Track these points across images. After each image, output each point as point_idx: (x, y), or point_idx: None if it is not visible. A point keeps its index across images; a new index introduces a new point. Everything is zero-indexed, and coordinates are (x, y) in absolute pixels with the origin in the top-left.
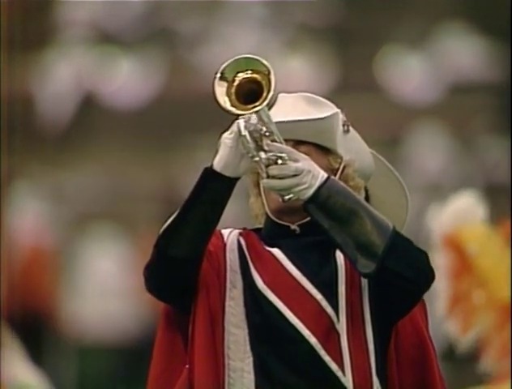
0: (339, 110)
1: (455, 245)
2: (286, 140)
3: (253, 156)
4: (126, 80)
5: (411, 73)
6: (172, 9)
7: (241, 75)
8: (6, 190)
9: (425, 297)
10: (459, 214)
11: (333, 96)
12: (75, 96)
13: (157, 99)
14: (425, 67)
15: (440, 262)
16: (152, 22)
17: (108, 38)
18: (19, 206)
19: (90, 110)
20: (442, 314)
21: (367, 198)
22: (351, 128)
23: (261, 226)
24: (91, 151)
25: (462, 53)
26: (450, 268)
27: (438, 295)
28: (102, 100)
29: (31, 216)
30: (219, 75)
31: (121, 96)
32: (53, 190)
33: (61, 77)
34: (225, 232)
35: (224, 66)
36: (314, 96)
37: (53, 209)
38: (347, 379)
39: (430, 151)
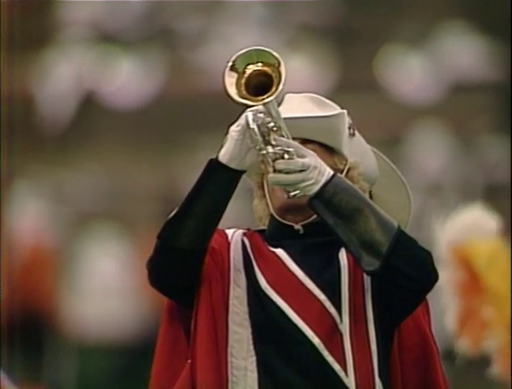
0: (345, 111)
1: (464, 261)
2: (293, 139)
3: (260, 149)
4: (127, 80)
5: (411, 73)
6: (173, 9)
7: (252, 67)
8: (6, 190)
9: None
10: (468, 227)
11: (333, 96)
12: (75, 96)
13: (157, 98)
14: (426, 67)
15: (448, 277)
16: (152, 22)
17: (108, 38)
18: (20, 206)
19: (90, 110)
20: (452, 330)
21: (370, 199)
22: (356, 132)
23: (265, 228)
24: (91, 151)
25: (463, 52)
26: (459, 284)
27: (447, 311)
28: (102, 99)
29: (31, 216)
30: (230, 64)
31: (122, 96)
32: (53, 190)
33: (62, 77)
34: (229, 231)
35: (235, 56)
36: (320, 97)
37: (54, 209)
38: (350, 380)
39: (430, 150)
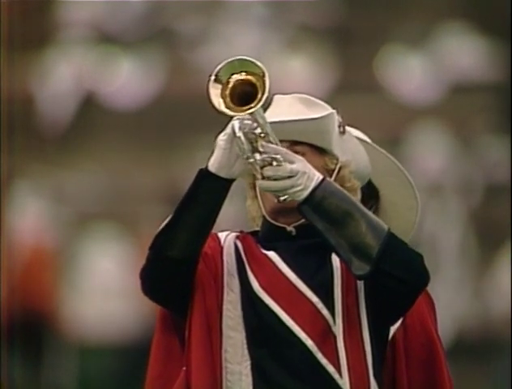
0: (334, 111)
1: None
2: (282, 141)
3: (247, 158)
4: (126, 80)
5: (411, 73)
6: (172, 9)
7: (236, 77)
8: (7, 189)
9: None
10: None
11: (333, 96)
12: (75, 96)
13: (157, 99)
14: (425, 67)
15: None
16: (152, 22)
17: (108, 38)
18: (20, 206)
19: (90, 110)
20: None
21: (377, 199)
22: (347, 128)
23: (258, 229)
24: (91, 151)
25: (463, 53)
26: None
27: None
28: (102, 100)
29: (31, 216)
30: (213, 78)
31: (121, 96)
32: (53, 190)
33: (61, 77)
34: (222, 235)
35: (218, 68)
36: (309, 97)
37: (54, 209)
38: (344, 382)
39: (430, 151)
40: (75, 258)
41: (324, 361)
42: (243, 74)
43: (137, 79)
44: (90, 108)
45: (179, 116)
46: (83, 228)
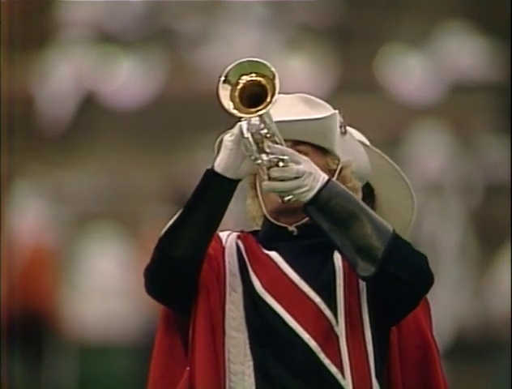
0: (336, 111)
1: None
2: (284, 140)
3: (255, 159)
4: (126, 80)
5: (411, 73)
6: (172, 9)
7: (245, 78)
8: (7, 189)
9: None
10: None
11: (333, 96)
12: (75, 96)
13: (157, 99)
14: (425, 67)
15: None
16: (152, 22)
17: (108, 38)
18: (20, 206)
19: (90, 110)
20: None
21: (373, 198)
22: (348, 129)
23: (258, 228)
24: (91, 151)
25: (463, 52)
26: None
27: None
28: (102, 99)
29: (31, 216)
30: (222, 79)
31: (122, 96)
32: (53, 190)
33: (62, 77)
34: (223, 235)
35: (227, 69)
36: (311, 96)
37: (54, 209)
38: (347, 382)
39: (430, 150)
40: (75, 258)
41: (327, 361)
42: (253, 75)
43: (137, 79)
44: (90, 108)
45: (179, 116)
46: (82, 228)
